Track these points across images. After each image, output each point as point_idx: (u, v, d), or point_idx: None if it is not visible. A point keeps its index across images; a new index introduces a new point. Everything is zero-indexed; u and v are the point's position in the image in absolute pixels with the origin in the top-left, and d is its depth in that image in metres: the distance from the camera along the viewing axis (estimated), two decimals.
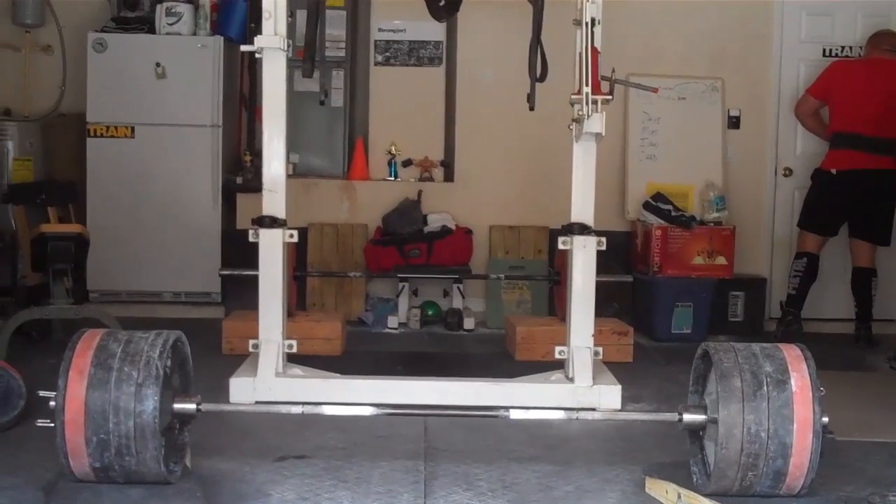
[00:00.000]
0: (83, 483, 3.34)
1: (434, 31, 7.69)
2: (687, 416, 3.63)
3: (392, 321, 7.28)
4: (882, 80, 6.92)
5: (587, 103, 4.32)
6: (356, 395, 4.66)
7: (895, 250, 7.65)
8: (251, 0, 7.30)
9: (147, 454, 3.26)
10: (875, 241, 7.06)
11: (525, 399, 4.66)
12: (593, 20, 4.46)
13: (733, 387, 3.41)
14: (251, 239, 4.73)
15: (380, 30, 7.79)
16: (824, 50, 7.50)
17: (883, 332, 7.30)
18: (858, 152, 6.86)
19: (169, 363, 3.44)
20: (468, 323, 7.28)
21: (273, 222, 4.71)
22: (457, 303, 7.41)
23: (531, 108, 4.81)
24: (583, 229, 4.83)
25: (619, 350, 6.24)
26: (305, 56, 5.01)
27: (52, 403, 3.25)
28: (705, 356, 3.66)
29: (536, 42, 4.77)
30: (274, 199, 4.73)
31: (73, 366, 3.30)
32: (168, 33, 7.33)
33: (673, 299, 7.10)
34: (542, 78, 4.87)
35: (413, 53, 7.77)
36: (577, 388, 4.72)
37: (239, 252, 5.82)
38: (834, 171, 6.96)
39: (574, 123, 4.69)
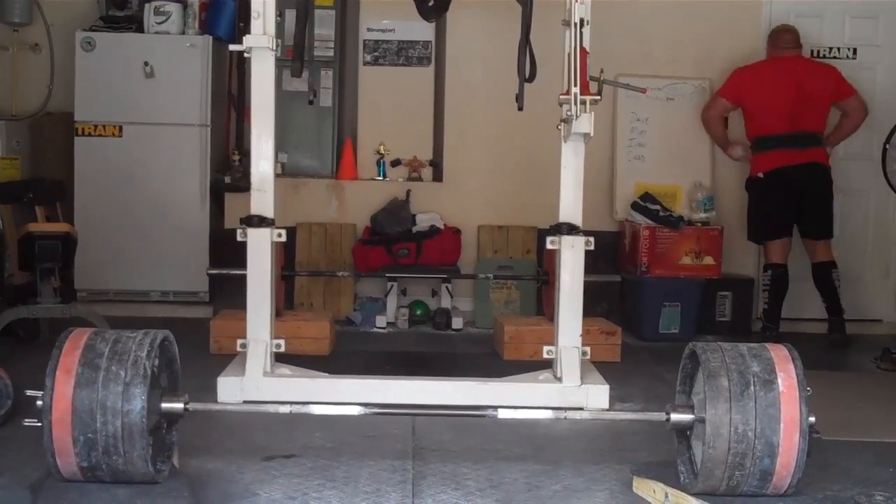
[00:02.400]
0: (70, 482, 3.33)
1: (423, 31, 7.68)
2: (674, 416, 3.64)
3: (380, 321, 7.27)
4: (788, 76, 6.94)
5: (576, 103, 4.33)
6: (344, 395, 4.67)
7: (875, 250, 7.71)
8: None
9: (134, 453, 3.25)
10: (820, 237, 7.03)
11: (513, 398, 4.68)
12: (582, 21, 4.48)
13: (721, 386, 3.42)
14: (239, 238, 4.74)
15: (369, 29, 7.77)
16: (812, 51, 7.51)
17: (868, 332, 7.33)
18: (779, 151, 6.89)
19: (157, 362, 3.44)
20: (456, 322, 7.29)
21: (261, 221, 4.72)
22: (445, 302, 7.41)
23: (520, 109, 4.82)
24: (571, 229, 4.85)
25: (607, 350, 6.25)
26: (294, 55, 5.01)
27: (40, 403, 3.24)
28: (693, 356, 3.67)
29: (525, 42, 4.78)
30: (262, 199, 4.74)
31: (60, 365, 3.29)
32: (156, 32, 7.31)
33: (661, 299, 7.12)
34: (531, 78, 4.88)
35: (402, 53, 7.77)
36: (565, 388, 4.74)
37: (227, 251, 5.82)
38: (761, 174, 6.99)
39: (563, 124, 4.71)
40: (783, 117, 6.90)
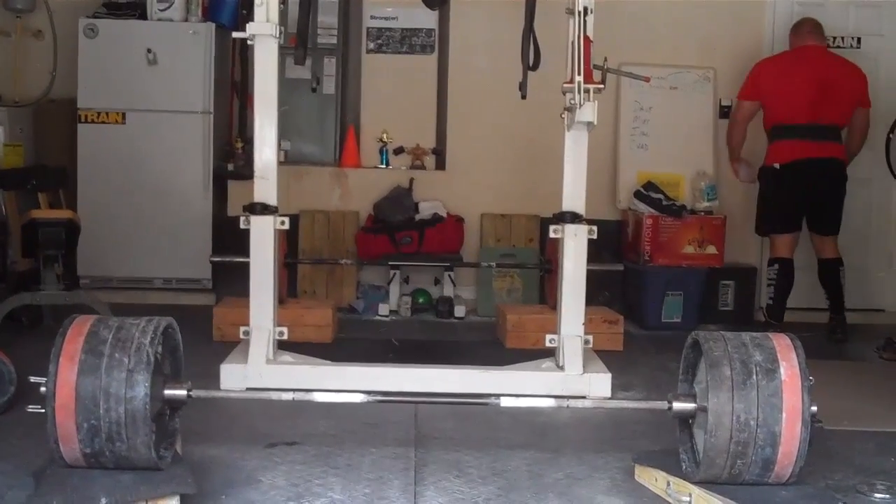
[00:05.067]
0: (73, 468, 3.34)
1: (426, 18, 7.67)
2: (676, 405, 3.64)
3: (383, 308, 7.28)
4: (811, 66, 6.80)
5: (579, 92, 4.33)
6: (347, 382, 4.69)
7: (877, 240, 7.70)
8: None
9: (138, 440, 3.26)
10: (827, 233, 6.89)
11: (515, 387, 4.70)
12: (586, 9, 4.48)
13: (723, 375, 3.42)
14: (242, 226, 4.75)
15: (372, 17, 7.76)
16: None
17: (870, 321, 7.33)
18: (799, 141, 6.72)
19: (160, 349, 3.44)
20: (459, 311, 7.29)
21: (264, 209, 4.73)
22: (448, 290, 7.41)
23: (523, 97, 4.83)
24: (574, 218, 4.86)
25: (610, 338, 6.24)
26: (297, 43, 5.02)
27: (43, 389, 3.25)
28: (695, 345, 3.67)
29: (529, 31, 4.79)
30: (265, 186, 4.75)
31: (63, 352, 3.29)
32: (159, 19, 7.30)
33: (663, 288, 7.12)
34: (535, 66, 4.89)
35: (405, 41, 7.76)
36: (567, 376, 4.76)
37: (230, 239, 5.83)
38: (777, 165, 6.80)
39: (566, 112, 4.71)
40: (804, 107, 6.72)
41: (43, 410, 3.25)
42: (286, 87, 6.81)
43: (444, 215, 7.48)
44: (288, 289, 6.62)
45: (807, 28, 6.95)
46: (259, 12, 4.59)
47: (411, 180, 7.59)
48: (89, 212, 6.91)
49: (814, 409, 3.39)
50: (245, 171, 6.76)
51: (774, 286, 6.85)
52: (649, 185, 7.38)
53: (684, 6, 7.62)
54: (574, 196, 4.87)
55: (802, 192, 6.77)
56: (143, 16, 7.35)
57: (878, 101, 7.18)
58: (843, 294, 6.94)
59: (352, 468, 3.90)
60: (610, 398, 4.77)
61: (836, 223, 6.91)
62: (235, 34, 4.90)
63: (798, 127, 6.74)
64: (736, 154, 7.26)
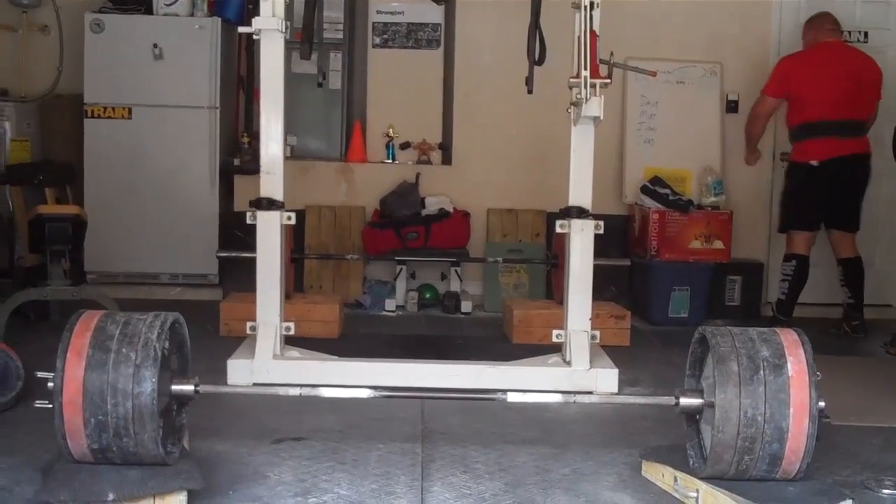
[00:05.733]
0: (81, 464, 3.34)
1: (432, 13, 7.67)
2: (683, 400, 3.64)
3: (390, 304, 7.28)
4: (837, 62, 6.78)
5: (585, 87, 4.33)
6: (353, 378, 4.68)
7: (885, 234, 7.68)
8: None
9: (145, 435, 3.26)
10: (851, 230, 6.88)
11: (522, 382, 4.69)
12: (592, 3, 4.46)
13: (730, 371, 3.41)
14: (249, 221, 4.75)
15: (378, 12, 7.76)
16: None
17: (878, 317, 7.31)
18: (831, 139, 6.69)
19: (167, 345, 3.44)
20: (465, 306, 7.29)
21: (271, 204, 4.73)
22: (454, 286, 7.41)
23: (529, 92, 4.81)
24: (580, 213, 4.85)
25: (616, 334, 6.25)
26: (303, 38, 5.00)
27: (51, 384, 3.25)
28: (702, 340, 3.67)
29: (535, 25, 4.78)
30: (271, 182, 4.75)
31: (71, 347, 3.29)
32: (166, 14, 7.30)
33: (670, 283, 7.11)
34: (541, 61, 4.88)
35: (411, 36, 7.75)
36: (574, 372, 4.75)
37: (236, 234, 5.83)
38: (815, 162, 6.75)
39: (572, 107, 4.70)
40: (833, 104, 6.69)
41: (50, 406, 3.25)
42: (292, 81, 6.79)
43: (451, 210, 7.47)
44: (295, 284, 6.63)
45: (829, 24, 6.91)
46: (265, 7, 4.58)
47: (417, 175, 7.59)
48: (96, 207, 6.92)
49: (821, 404, 3.38)
50: (251, 166, 6.76)
51: (789, 282, 6.81)
52: (656, 180, 7.37)
53: (690, 1, 7.60)
54: (580, 191, 4.86)
55: (832, 189, 6.77)
56: (149, 11, 7.35)
57: (886, 95, 7.14)
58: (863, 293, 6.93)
59: (359, 463, 3.90)
60: (617, 393, 4.76)
61: (857, 219, 6.91)
62: (241, 29, 4.90)
63: (830, 124, 6.72)
64: (753, 146, 7.26)
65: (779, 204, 7.14)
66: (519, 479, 3.81)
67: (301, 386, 3.84)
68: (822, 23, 6.94)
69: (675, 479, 3.65)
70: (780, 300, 6.87)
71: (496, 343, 6.36)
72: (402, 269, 7.36)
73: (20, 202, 6.51)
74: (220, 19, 7.36)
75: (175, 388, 3.51)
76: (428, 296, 7.45)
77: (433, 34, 7.76)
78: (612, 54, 4.62)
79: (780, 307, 6.86)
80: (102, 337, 3.32)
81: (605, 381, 4.77)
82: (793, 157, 6.96)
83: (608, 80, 4.42)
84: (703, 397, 3.60)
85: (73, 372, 3.25)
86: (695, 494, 3.53)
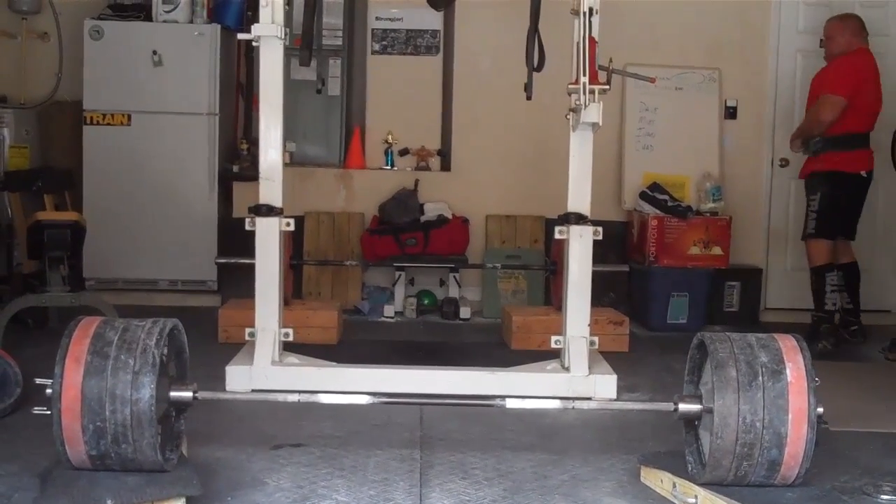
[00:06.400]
0: (80, 470, 3.34)
1: (431, 19, 7.67)
2: (682, 406, 3.64)
3: (388, 310, 7.28)
4: (875, 70, 6.74)
5: (584, 93, 4.32)
6: (352, 384, 4.67)
7: (883, 240, 7.68)
8: None
9: (143, 442, 3.26)
10: (853, 237, 6.86)
11: (521, 388, 4.68)
12: (591, 10, 4.46)
13: (729, 377, 3.41)
14: (248, 227, 4.74)
15: (377, 18, 7.77)
16: (822, 41, 7.46)
17: (876, 322, 7.30)
18: (870, 150, 6.71)
19: (165, 351, 3.44)
20: (464, 312, 7.29)
21: (269, 211, 4.72)
22: (453, 292, 7.41)
23: (528, 98, 4.82)
24: (579, 219, 4.84)
25: (615, 340, 6.25)
26: (302, 44, 5.00)
27: (49, 391, 3.25)
28: (701, 346, 3.67)
29: (534, 31, 4.78)
30: (270, 188, 4.74)
31: (69, 353, 3.29)
32: (165, 21, 7.32)
33: (669, 289, 7.11)
34: (540, 67, 4.88)
35: (410, 42, 7.76)
36: (572, 378, 4.74)
37: (235, 240, 5.83)
38: (864, 173, 6.67)
39: (571, 113, 4.70)
40: (874, 114, 6.69)
41: (49, 412, 3.25)
42: (291, 88, 6.82)
43: (450, 216, 7.47)
44: (293, 290, 6.63)
45: (863, 29, 6.79)
46: (264, 13, 4.58)
47: (416, 181, 7.59)
48: (95, 213, 6.93)
49: (820, 410, 3.38)
50: (250, 173, 6.77)
51: (849, 288, 6.75)
52: (654, 186, 7.38)
53: (689, 7, 7.62)
54: (579, 197, 4.86)
55: (863, 199, 6.79)
56: (148, 17, 7.36)
57: (885, 102, 7.14)
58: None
59: (357, 470, 3.90)
60: (615, 399, 4.75)
61: (855, 228, 6.89)
62: (240, 35, 4.89)
63: (868, 135, 6.72)
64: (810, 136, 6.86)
65: (810, 211, 6.75)
66: (517, 484, 3.81)
67: (300, 392, 3.84)
68: (858, 27, 6.79)
69: (674, 485, 3.65)
70: (850, 309, 6.77)
71: (495, 349, 6.36)
72: (400, 275, 7.36)
73: (19, 209, 6.51)
74: (219, 26, 7.37)
75: (173, 394, 3.51)
76: (427, 302, 7.45)
77: (432, 40, 7.77)
78: (611, 60, 4.62)
79: (853, 313, 6.79)
80: (101, 343, 3.32)
81: (603, 387, 4.76)
82: (837, 166, 6.64)
83: (607, 87, 4.42)
84: (701, 403, 3.60)
85: (72, 378, 3.25)
86: (693, 500, 3.53)
